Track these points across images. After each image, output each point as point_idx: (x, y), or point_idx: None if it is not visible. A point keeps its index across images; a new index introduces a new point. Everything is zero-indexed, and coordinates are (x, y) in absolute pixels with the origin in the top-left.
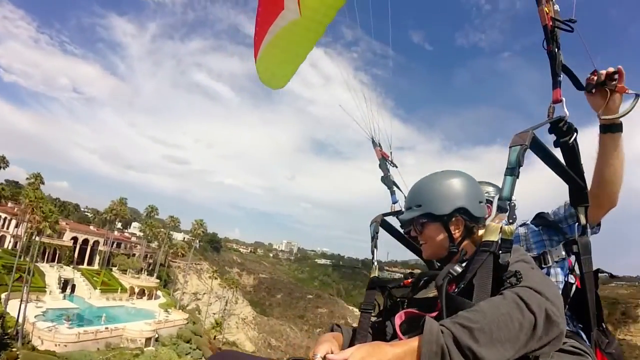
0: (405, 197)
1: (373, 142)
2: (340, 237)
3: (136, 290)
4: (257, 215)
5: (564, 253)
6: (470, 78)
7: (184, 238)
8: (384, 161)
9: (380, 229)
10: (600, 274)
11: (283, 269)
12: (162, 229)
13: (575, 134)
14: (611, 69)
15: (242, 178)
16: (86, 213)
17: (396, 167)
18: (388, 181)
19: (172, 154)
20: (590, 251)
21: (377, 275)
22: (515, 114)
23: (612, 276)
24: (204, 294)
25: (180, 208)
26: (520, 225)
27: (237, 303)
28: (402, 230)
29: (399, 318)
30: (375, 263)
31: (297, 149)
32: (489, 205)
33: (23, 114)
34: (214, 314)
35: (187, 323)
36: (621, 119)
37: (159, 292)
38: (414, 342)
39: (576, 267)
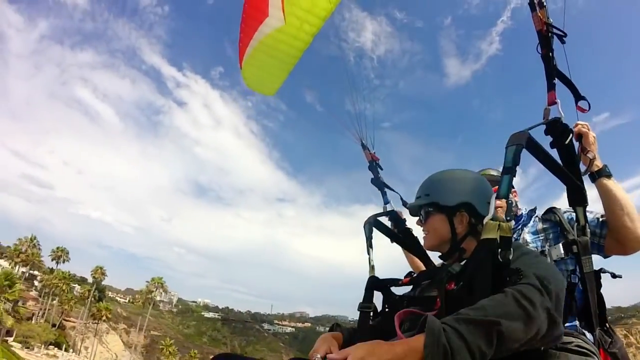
0: (400, 196)
1: (362, 145)
2: (216, 286)
3: None
4: (125, 256)
5: (562, 252)
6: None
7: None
8: (374, 163)
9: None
10: (602, 274)
11: (167, 322)
12: (87, 285)
13: (571, 134)
14: (575, 130)
15: (111, 213)
16: None
17: (382, 169)
18: (378, 183)
19: (33, 173)
20: (590, 251)
21: (374, 274)
22: (392, 179)
23: (614, 276)
24: None
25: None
26: (533, 216)
27: None
28: (395, 230)
29: (398, 317)
30: (372, 263)
31: (177, 189)
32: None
33: None
34: None
35: None
36: (603, 166)
37: None
38: (414, 341)
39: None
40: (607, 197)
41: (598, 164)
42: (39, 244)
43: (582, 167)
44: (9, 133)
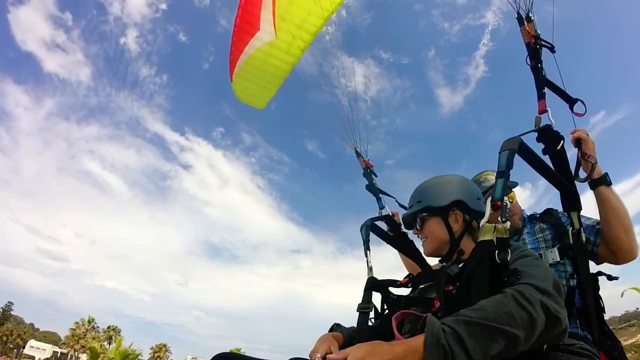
0: (396, 200)
1: (357, 152)
2: (240, 347)
3: None
4: (143, 324)
5: (557, 256)
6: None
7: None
8: (368, 170)
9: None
10: (599, 276)
11: None
12: None
13: (562, 141)
14: (575, 136)
15: (126, 282)
16: None
17: (376, 176)
18: (373, 188)
19: (48, 247)
20: (587, 255)
21: (373, 275)
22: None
23: (610, 278)
24: None
25: (47, 313)
26: (531, 220)
27: None
28: (391, 233)
29: (395, 318)
30: (370, 265)
31: (190, 252)
32: None
33: None
34: None
35: None
36: (603, 174)
37: None
38: (414, 342)
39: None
40: (605, 207)
41: (599, 171)
42: (97, 326)
43: (582, 173)
44: (22, 209)
